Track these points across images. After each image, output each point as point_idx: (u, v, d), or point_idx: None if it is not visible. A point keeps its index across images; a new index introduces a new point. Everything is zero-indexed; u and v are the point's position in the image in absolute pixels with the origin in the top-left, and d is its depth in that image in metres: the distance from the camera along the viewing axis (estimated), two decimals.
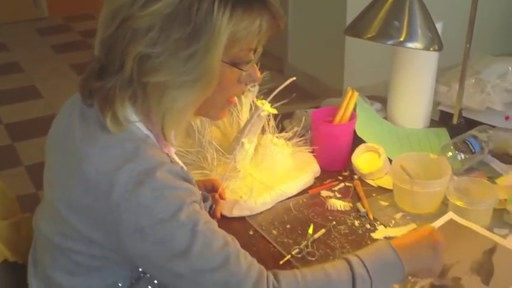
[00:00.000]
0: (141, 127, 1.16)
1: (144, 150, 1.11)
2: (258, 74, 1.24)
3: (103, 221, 1.09)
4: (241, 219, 1.61)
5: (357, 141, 1.84)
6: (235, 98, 1.30)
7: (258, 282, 1.14)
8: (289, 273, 1.19)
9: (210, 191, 1.59)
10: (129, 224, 1.06)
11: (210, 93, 1.13)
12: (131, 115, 1.14)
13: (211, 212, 1.55)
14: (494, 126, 1.95)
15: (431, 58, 1.96)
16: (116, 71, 1.09)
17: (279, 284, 1.15)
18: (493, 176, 1.75)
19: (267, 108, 1.63)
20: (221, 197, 1.59)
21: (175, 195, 1.09)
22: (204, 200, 1.38)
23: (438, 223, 1.52)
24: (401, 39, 1.62)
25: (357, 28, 1.70)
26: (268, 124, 1.75)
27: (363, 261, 1.20)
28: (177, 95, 1.10)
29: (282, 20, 1.17)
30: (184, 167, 1.22)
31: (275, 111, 1.66)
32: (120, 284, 1.20)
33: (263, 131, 1.75)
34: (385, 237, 1.51)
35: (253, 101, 1.73)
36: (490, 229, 1.49)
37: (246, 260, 1.17)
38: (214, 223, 1.17)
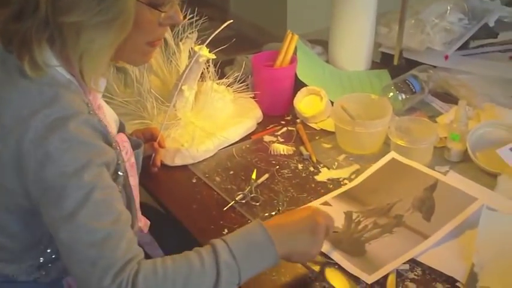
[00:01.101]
0: (63, 72, 1.11)
1: (62, 96, 1.06)
2: (180, 16, 1.20)
3: (14, 165, 1.05)
4: (184, 167, 1.58)
5: (299, 85, 1.82)
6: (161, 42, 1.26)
7: (118, 275, 1.02)
8: (150, 266, 1.04)
9: (149, 139, 1.56)
10: (34, 171, 1.03)
11: (127, 34, 1.09)
12: (51, 59, 1.09)
13: (152, 161, 1.52)
14: (434, 66, 1.95)
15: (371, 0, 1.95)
16: (31, 12, 1.04)
17: (136, 277, 1.02)
18: (433, 115, 1.77)
19: (204, 53, 1.59)
20: (160, 146, 1.55)
21: (85, 151, 1.04)
22: (136, 146, 1.33)
23: (381, 163, 1.52)
24: None
25: None
26: (208, 70, 1.71)
27: (228, 246, 1.08)
28: (94, 36, 1.06)
29: None
30: (105, 120, 1.18)
31: (213, 56, 1.62)
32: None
33: (203, 77, 1.71)
34: (328, 179, 1.51)
35: (191, 48, 1.69)
36: (431, 167, 1.51)
37: (127, 246, 1.04)
38: (115, 195, 1.09)
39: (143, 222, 1.29)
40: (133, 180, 1.27)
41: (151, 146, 1.53)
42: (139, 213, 1.30)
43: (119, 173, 1.17)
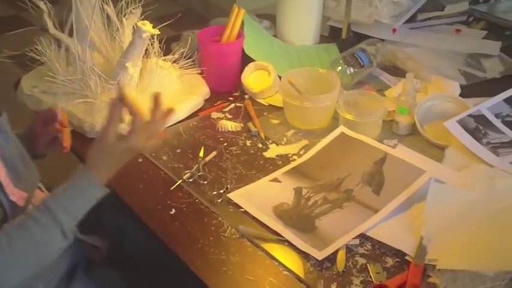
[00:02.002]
0: None
1: None
2: None
3: None
4: None
5: (246, 60, 1.79)
6: None
7: None
8: None
9: (52, 120, 1.39)
10: None
11: None
12: None
13: (58, 144, 1.39)
14: (382, 39, 1.95)
15: None
16: None
17: None
18: (381, 89, 1.76)
19: (148, 28, 1.54)
20: (62, 125, 1.39)
21: None
22: None
23: (330, 137, 1.51)
24: None
25: None
26: (153, 46, 1.66)
27: (71, 214, 1.14)
28: None
29: None
30: None
31: (157, 32, 1.57)
32: None
33: (148, 54, 1.66)
34: (277, 156, 1.49)
35: (135, 24, 1.64)
36: (379, 140, 1.50)
37: None
38: None
39: (16, 195, 1.20)
40: None
41: (54, 128, 1.39)
42: (7, 188, 1.19)
43: None
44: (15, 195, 1.19)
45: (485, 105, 1.58)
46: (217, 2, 4.53)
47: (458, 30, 2.13)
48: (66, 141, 1.39)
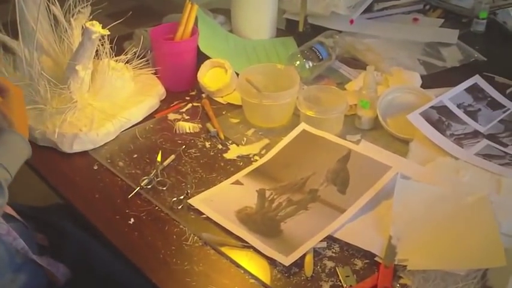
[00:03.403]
0: None
1: None
2: None
3: None
4: (84, 154, 1.48)
5: (202, 57, 1.73)
6: None
7: None
8: None
9: None
10: None
11: None
12: None
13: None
14: (340, 31, 1.91)
15: None
16: None
17: None
18: (342, 82, 1.73)
19: (97, 29, 1.48)
20: None
21: None
22: None
23: (291, 135, 1.47)
24: None
25: None
26: (104, 47, 1.59)
27: (2, 165, 1.20)
28: None
29: None
30: None
31: (107, 32, 1.51)
32: None
33: (98, 55, 1.59)
34: (238, 157, 1.44)
35: (84, 24, 1.57)
36: (342, 136, 1.47)
37: None
38: None
39: None
40: None
41: None
42: None
43: None
44: None
45: (447, 96, 1.56)
46: None
47: (415, 20, 2.11)
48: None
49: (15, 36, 1.64)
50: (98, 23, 1.50)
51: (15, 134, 1.27)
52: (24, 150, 1.28)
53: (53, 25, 1.66)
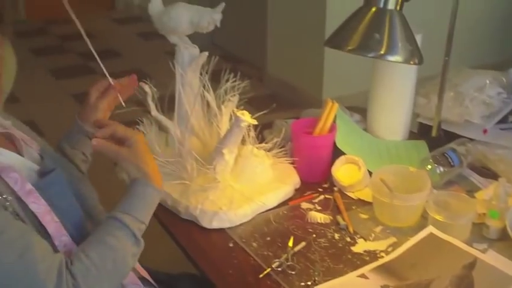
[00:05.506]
0: None
1: None
2: None
3: None
4: (221, 231, 1.59)
5: (337, 152, 1.83)
6: None
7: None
8: (78, 265, 1.21)
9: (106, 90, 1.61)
10: None
11: None
12: None
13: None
14: (472, 139, 1.96)
15: (410, 70, 1.97)
16: None
17: (75, 278, 1.19)
18: (471, 190, 1.76)
19: (247, 118, 1.62)
20: (116, 89, 1.60)
21: None
22: (45, 173, 1.36)
23: (418, 237, 1.52)
24: (382, 52, 1.61)
25: (337, 40, 1.70)
26: (249, 135, 1.74)
27: (132, 215, 1.30)
28: None
29: None
30: None
31: (255, 122, 1.65)
32: None
33: (243, 141, 1.73)
34: (365, 251, 1.51)
35: (233, 111, 1.72)
36: (469, 243, 1.50)
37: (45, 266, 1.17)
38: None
39: (69, 246, 1.30)
40: (37, 207, 1.27)
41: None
42: (62, 237, 1.30)
43: (7, 204, 1.22)
44: (67, 245, 1.28)
45: None
46: (303, 85, 4.66)
47: None
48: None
49: (168, 111, 1.81)
50: (247, 112, 1.65)
51: (150, 186, 1.36)
52: (157, 199, 1.38)
53: (205, 110, 1.83)
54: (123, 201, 1.33)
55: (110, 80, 1.59)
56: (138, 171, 1.36)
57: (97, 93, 1.61)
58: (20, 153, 1.37)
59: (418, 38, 1.76)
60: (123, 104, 1.62)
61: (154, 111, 1.79)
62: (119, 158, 1.37)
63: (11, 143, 1.38)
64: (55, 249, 1.25)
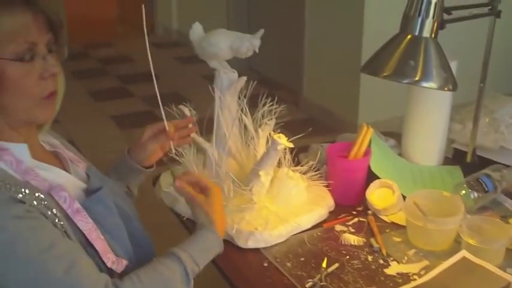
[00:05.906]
0: None
1: None
2: (52, 66, 1.30)
3: None
4: (256, 250, 1.63)
5: (371, 176, 1.86)
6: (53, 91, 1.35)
7: None
8: (127, 281, 1.26)
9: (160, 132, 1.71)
10: None
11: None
12: None
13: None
14: (507, 166, 1.96)
15: (445, 96, 1.99)
16: None
17: None
18: (506, 216, 1.77)
19: (283, 141, 1.66)
20: (169, 137, 1.70)
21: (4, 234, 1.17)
22: (92, 191, 1.41)
23: (451, 261, 1.53)
24: (417, 78, 1.65)
25: (372, 66, 1.74)
26: (285, 157, 1.78)
27: (192, 257, 1.35)
28: None
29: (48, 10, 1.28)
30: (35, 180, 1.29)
31: (291, 145, 1.69)
32: None
33: (279, 164, 1.77)
34: (398, 273, 1.53)
35: (270, 134, 1.77)
36: (502, 268, 1.51)
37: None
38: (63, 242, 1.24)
39: (116, 264, 1.33)
40: (84, 225, 1.31)
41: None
42: (108, 254, 1.33)
43: (56, 221, 1.26)
44: (115, 263, 1.32)
45: None
46: (339, 109, 4.69)
47: None
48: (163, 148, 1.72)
49: (206, 133, 1.87)
50: (284, 136, 1.69)
51: (213, 233, 1.43)
52: (217, 248, 1.44)
53: (242, 133, 1.87)
54: (185, 241, 1.40)
55: (166, 125, 1.69)
56: (206, 217, 1.45)
57: (150, 134, 1.70)
58: (67, 171, 1.43)
59: (453, 65, 1.79)
60: (173, 150, 1.73)
61: (193, 134, 1.84)
62: (195, 203, 1.47)
63: (59, 162, 1.44)
64: (103, 267, 1.30)
